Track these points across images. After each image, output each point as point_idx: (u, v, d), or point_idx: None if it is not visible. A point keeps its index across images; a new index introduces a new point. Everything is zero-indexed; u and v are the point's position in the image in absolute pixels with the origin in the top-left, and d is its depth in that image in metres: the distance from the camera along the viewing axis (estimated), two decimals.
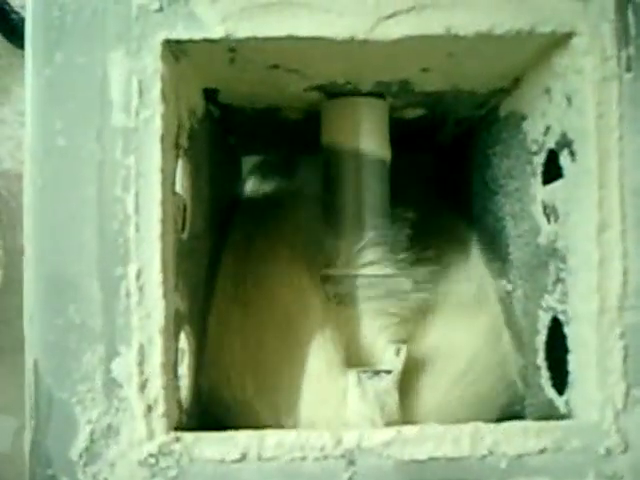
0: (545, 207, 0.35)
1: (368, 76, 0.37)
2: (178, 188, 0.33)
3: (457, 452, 0.30)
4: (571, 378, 0.32)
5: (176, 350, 0.32)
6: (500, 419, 0.33)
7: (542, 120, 0.35)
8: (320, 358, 0.37)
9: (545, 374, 0.36)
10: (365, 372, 0.36)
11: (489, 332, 0.40)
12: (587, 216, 0.31)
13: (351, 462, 0.29)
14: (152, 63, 0.30)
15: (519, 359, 0.39)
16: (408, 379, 0.37)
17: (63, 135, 0.30)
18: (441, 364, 0.38)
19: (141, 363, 0.29)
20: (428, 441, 0.30)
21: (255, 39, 0.30)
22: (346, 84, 0.38)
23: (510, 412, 0.38)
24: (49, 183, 0.30)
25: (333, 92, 0.39)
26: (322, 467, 0.29)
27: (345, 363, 0.37)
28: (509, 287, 0.40)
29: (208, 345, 0.38)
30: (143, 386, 0.29)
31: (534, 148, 0.36)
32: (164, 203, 0.30)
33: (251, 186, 0.54)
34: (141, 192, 0.29)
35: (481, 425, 0.30)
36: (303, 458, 0.29)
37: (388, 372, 0.36)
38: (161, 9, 0.30)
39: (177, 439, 0.29)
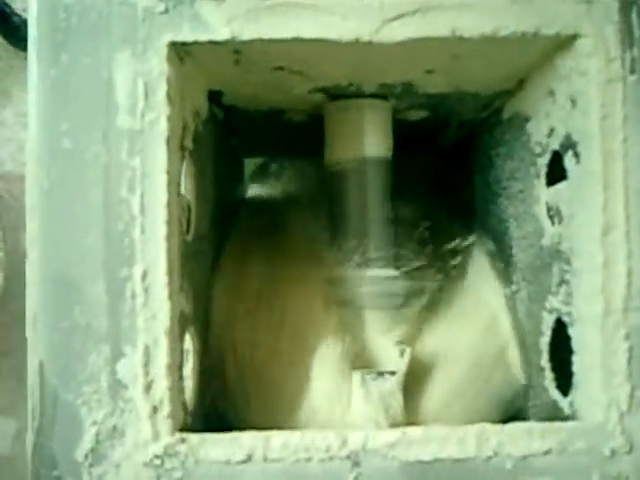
0: (549, 209, 0.35)
1: (372, 78, 0.37)
2: (183, 190, 0.33)
3: (462, 453, 0.30)
4: (575, 379, 0.32)
5: (181, 351, 0.32)
6: (504, 421, 0.33)
7: (546, 122, 0.35)
8: (324, 360, 0.37)
9: (549, 375, 0.36)
10: (369, 373, 0.36)
11: (492, 334, 0.40)
12: (591, 217, 0.31)
13: (356, 463, 0.29)
14: (158, 65, 0.30)
15: (523, 361, 0.39)
16: (412, 381, 0.37)
17: (69, 137, 0.30)
18: (445, 366, 0.38)
19: (146, 364, 0.29)
20: (433, 442, 0.30)
21: (260, 41, 0.30)
22: (350, 86, 0.38)
23: (514, 414, 0.38)
24: (55, 185, 0.30)
25: (336, 94, 0.39)
26: (327, 468, 0.29)
27: (349, 365, 0.37)
28: (513, 289, 0.40)
29: (211, 346, 0.38)
30: (148, 387, 0.29)
31: (538, 150, 0.36)
32: (169, 204, 0.30)
33: (253, 188, 0.54)
34: (146, 193, 0.29)
35: (486, 426, 0.30)
36: (308, 459, 0.29)
37: (392, 373, 0.36)
38: (166, 11, 0.30)
39: (182, 440, 0.29)
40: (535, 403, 0.38)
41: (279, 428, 0.30)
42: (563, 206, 0.33)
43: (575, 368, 0.32)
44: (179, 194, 0.32)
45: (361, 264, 0.39)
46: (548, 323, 0.35)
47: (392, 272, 0.39)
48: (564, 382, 0.34)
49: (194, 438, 0.29)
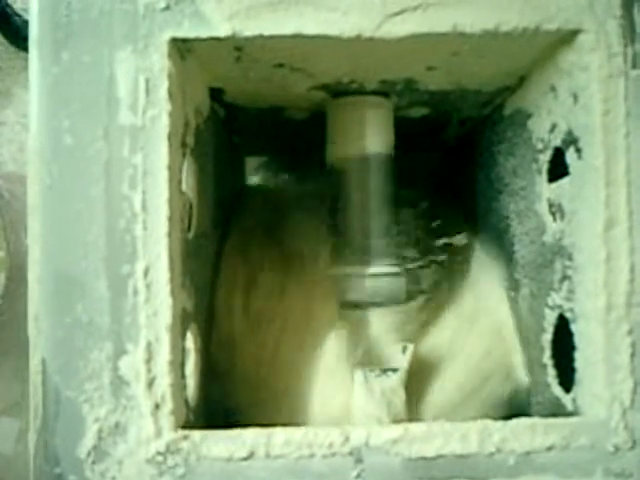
0: (551, 205, 0.35)
1: (373, 75, 0.37)
2: (184, 187, 0.33)
3: (465, 449, 0.30)
4: (578, 376, 0.32)
5: (183, 348, 0.32)
6: (506, 417, 0.32)
7: (548, 118, 0.35)
8: (326, 357, 0.37)
9: (552, 372, 0.36)
10: (372, 370, 0.36)
11: (495, 331, 0.40)
12: (594, 213, 0.31)
13: (359, 459, 0.29)
14: (159, 61, 0.30)
15: (525, 358, 0.39)
16: (415, 379, 0.37)
17: (70, 134, 0.30)
18: (448, 364, 0.38)
19: (148, 361, 0.29)
20: (436, 438, 0.30)
21: (261, 37, 0.30)
22: (351, 83, 0.38)
23: (516, 410, 0.38)
24: (56, 182, 0.30)
25: (338, 91, 0.39)
26: (330, 464, 0.29)
27: (352, 362, 0.37)
28: (515, 285, 0.40)
29: (213, 344, 0.38)
30: (151, 384, 0.29)
31: (540, 146, 0.36)
32: (171, 201, 0.30)
33: (254, 185, 0.54)
34: (148, 190, 0.29)
35: (489, 422, 0.30)
36: (311, 455, 0.29)
37: (395, 370, 0.36)
38: (168, 8, 0.30)
39: (185, 437, 0.29)
40: (538, 399, 0.37)
41: (282, 425, 0.30)
42: (565, 202, 0.33)
43: (578, 364, 0.32)
44: (181, 191, 0.32)
45: (363, 261, 0.39)
46: (550, 319, 0.35)
47: (394, 269, 0.39)
48: (567, 378, 0.33)
49: (196, 435, 0.29)
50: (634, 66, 0.30)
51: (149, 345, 0.29)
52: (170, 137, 0.30)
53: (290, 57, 0.33)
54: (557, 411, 0.34)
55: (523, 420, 0.30)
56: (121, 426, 0.29)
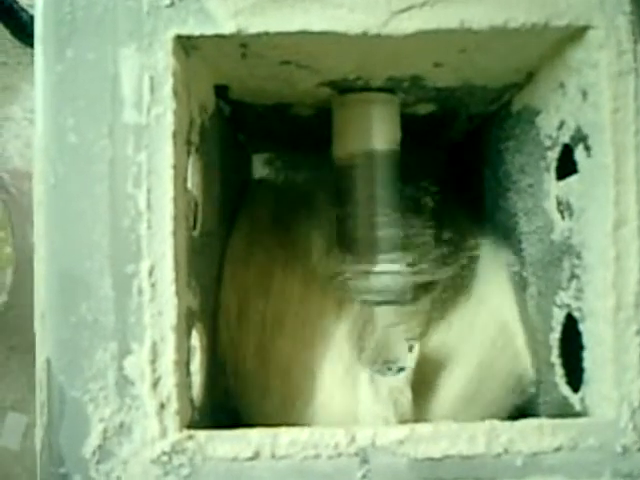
0: (559, 203, 0.35)
1: (380, 71, 0.36)
2: (189, 185, 0.33)
3: (472, 450, 0.29)
4: (586, 375, 0.32)
5: (188, 348, 0.32)
6: (513, 417, 0.32)
7: (556, 115, 0.34)
8: (332, 356, 0.36)
9: (559, 371, 0.35)
10: (378, 370, 0.35)
11: (502, 330, 0.40)
12: (603, 212, 0.30)
13: (365, 460, 0.29)
14: (163, 59, 0.29)
15: (532, 357, 0.39)
16: (422, 378, 0.36)
17: (75, 132, 0.29)
18: (454, 364, 0.38)
19: (154, 361, 0.29)
20: (443, 439, 0.29)
21: (267, 34, 0.30)
22: (357, 80, 0.37)
23: (523, 411, 0.38)
24: (61, 180, 0.29)
25: (344, 88, 0.39)
26: (336, 465, 0.29)
27: (358, 361, 0.37)
28: (522, 284, 0.40)
29: (220, 343, 0.38)
30: (156, 384, 0.29)
31: (548, 143, 0.35)
32: (176, 200, 0.29)
33: (259, 182, 0.54)
34: (153, 189, 0.29)
35: (496, 423, 0.30)
36: (317, 456, 0.29)
37: (401, 369, 0.35)
38: (172, 4, 0.30)
39: (190, 437, 0.29)
40: (545, 399, 0.37)
41: (287, 424, 0.30)
42: (574, 200, 0.33)
43: (586, 364, 0.32)
44: (186, 189, 0.32)
45: (369, 258, 0.39)
46: (558, 318, 0.35)
47: (400, 267, 0.39)
48: (575, 378, 0.33)
49: (202, 435, 0.29)
50: None
51: (154, 345, 0.29)
52: (175, 135, 0.30)
53: (296, 54, 0.33)
54: (565, 411, 0.34)
55: (531, 421, 0.30)
56: (126, 426, 0.29)
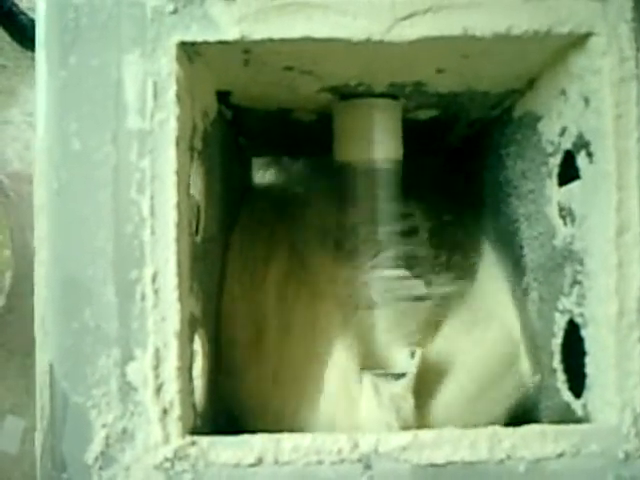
0: (561, 209, 0.35)
1: (382, 77, 0.36)
2: (192, 191, 0.33)
3: (475, 456, 0.29)
4: (589, 381, 0.32)
5: (191, 353, 0.32)
6: (515, 424, 0.32)
7: (558, 121, 0.34)
8: (334, 361, 0.36)
9: (561, 377, 0.35)
10: (380, 375, 0.35)
11: (503, 335, 0.40)
12: (605, 218, 0.30)
13: (368, 466, 0.29)
14: (167, 65, 0.29)
15: (532, 362, 0.39)
16: (423, 384, 0.36)
17: (78, 138, 0.29)
18: (456, 369, 0.38)
19: (156, 367, 0.29)
20: (445, 445, 0.29)
21: (270, 41, 0.30)
22: (359, 85, 0.37)
23: (525, 417, 0.38)
24: (64, 186, 0.29)
25: (346, 93, 0.39)
26: (338, 471, 0.29)
27: (360, 366, 0.37)
28: (524, 290, 0.40)
29: (222, 348, 0.38)
30: (158, 390, 0.29)
31: (550, 149, 0.35)
32: (179, 205, 0.29)
33: (261, 187, 0.54)
34: (156, 195, 0.29)
35: (499, 429, 0.30)
36: (319, 462, 0.29)
37: (403, 375, 0.35)
38: (176, 11, 0.30)
39: (193, 443, 0.29)
40: (547, 405, 0.37)
41: (290, 430, 0.30)
42: (575, 206, 0.33)
43: (588, 370, 0.32)
44: (189, 195, 0.32)
45: (371, 264, 0.39)
46: (560, 324, 0.35)
47: (402, 272, 0.39)
48: (577, 384, 0.33)
49: (204, 441, 0.29)
50: None
51: (157, 351, 0.29)
52: (178, 141, 0.30)
53: (299, 60, 0.33)
54: (567, 416, 0.34)
55: (533, 427, 0.30)
56: (129, 432, 0.29)
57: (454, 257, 0.42)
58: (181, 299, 0.29)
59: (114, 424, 0.29)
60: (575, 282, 0.33)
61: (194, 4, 0.30)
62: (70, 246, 0.29)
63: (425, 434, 0.30)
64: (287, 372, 0.37)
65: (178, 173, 0.29)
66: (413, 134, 0.41)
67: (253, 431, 0.30)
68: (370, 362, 0.37)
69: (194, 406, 0.32)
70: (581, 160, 0.32)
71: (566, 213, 0.34)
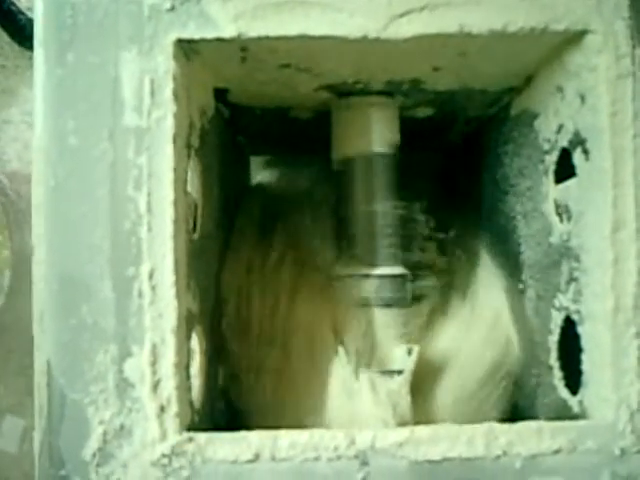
0: (558, 206, 0.35)
1: (379, 75, 0.36)
2: (189, 188, 0.33)
3: (471, 452, 0.29)
4: (585, 378, 0.32)
5: (188, 350, 0.32)
6: (511, 419, 0.32)
7: (555, 118, 0.34)
8: (332, 358, 0.36)
9: (558, 374, 0.35)
10: (377, 372, 0.35)
11: (499, 333, 0.40)
12: (601, 215, 0.30)
13: (365, 462, 0.29)
14: (164, 63, 0.30)
15: (528, 360, 0.39)
16: (420, 381, 0.36)
17: (75, 135, 0.30)
18: (453, 366, 0.38)
19: (154, 363, 0.29)
20: (442, 441, 0.29)
21: (267, 38, 0.30)
22: (356, 83, 0.38)
23: (521, 413, 0.38)
24: (61, 183, 0.30)
25: (343, 91, 0.39)
26: (335, 467, 0.29)
27: (357, 364, 0.37)
28: (520, 287, 0.40)
29: (223, 345, 0.38)
30: (156, 386, 0.29)
31: (546, 147, 0.36)
32: (176, 203, 0.29)
33: (258, 185, 0.54)
34: (153, 192, 0.29)
35: (495, 425, 0.30)
36: (316, 458, 0.29)
37: (400, 372, 0.36)
38: (173, 8, 0.30)
39: (190, 439, 0.29)
40: (544, 401, 0.37)
41: (288, 427, 0.30)
42: (572, 203, 0.33)
43: (584, 366, 0.32)
44: (186, 192, 0.32)
45: (367, 262, 0.39)
46: (557, 321, 0.35)
47: (399, 270, 0.39)
48: (573, 380, 0.33)
49: (202, 437, 0.29)
50: None
51: (154, 347, 0.29)
52: (175, 138, 0.30)
53: (296, 58, 0.33)
54: (563, 413, 0.34)
55: (529, 423, 0.30)
56: (126, 428, 0.29)
57: (451, 254, 0.42)
58: (178, 296, 0.29)
59: (111, 420, 0.29)
60: (571, 279, 0.33)
61: (191, 2, 0.30)
62: (67, 243, 0.29)
63: (422, 430, 0.30)
64: (286, 370, 0.37)
65: (175, 170, 0.30)
66: (412, 132, 0.41)
67: (250, 428, 0.30)
68: (368, 359, 0.38)
69: (191, 403, 0.32)
70: (577, 157, 0.32)
71: (562, 210, 0.34)
